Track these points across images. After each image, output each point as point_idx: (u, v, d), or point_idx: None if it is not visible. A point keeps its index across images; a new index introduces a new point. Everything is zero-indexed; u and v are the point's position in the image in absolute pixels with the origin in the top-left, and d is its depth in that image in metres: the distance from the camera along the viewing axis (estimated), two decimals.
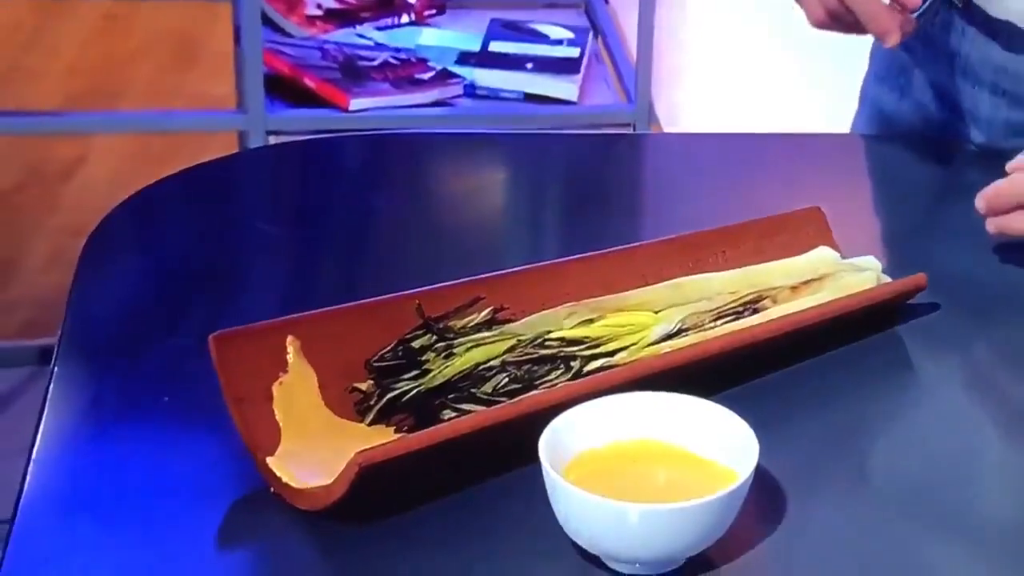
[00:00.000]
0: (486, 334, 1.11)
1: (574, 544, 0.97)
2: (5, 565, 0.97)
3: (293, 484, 1.01)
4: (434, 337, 1.10)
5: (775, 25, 2.68)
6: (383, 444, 1.00)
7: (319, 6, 2.59)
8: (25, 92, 3.51)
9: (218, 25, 2.77)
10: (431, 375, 1.08)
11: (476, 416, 1.04)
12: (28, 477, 1.04)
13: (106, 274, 1.29)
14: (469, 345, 1.10)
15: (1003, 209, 1.28)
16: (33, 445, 1.07)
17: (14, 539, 0.99)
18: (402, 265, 1.29)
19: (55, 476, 1.05)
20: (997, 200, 1.29)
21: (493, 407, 1.06)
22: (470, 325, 1.11)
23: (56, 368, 1.16)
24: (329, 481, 0.98)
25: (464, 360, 1.09)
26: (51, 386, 1.13)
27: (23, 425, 1.12)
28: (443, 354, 1.09)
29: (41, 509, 1.02)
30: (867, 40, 1.45)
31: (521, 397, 1.07)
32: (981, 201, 1.29)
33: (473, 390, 1.08)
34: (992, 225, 1.29)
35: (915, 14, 1.35)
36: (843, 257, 1.23)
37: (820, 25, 1.41)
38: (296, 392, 1.05)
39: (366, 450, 0.97)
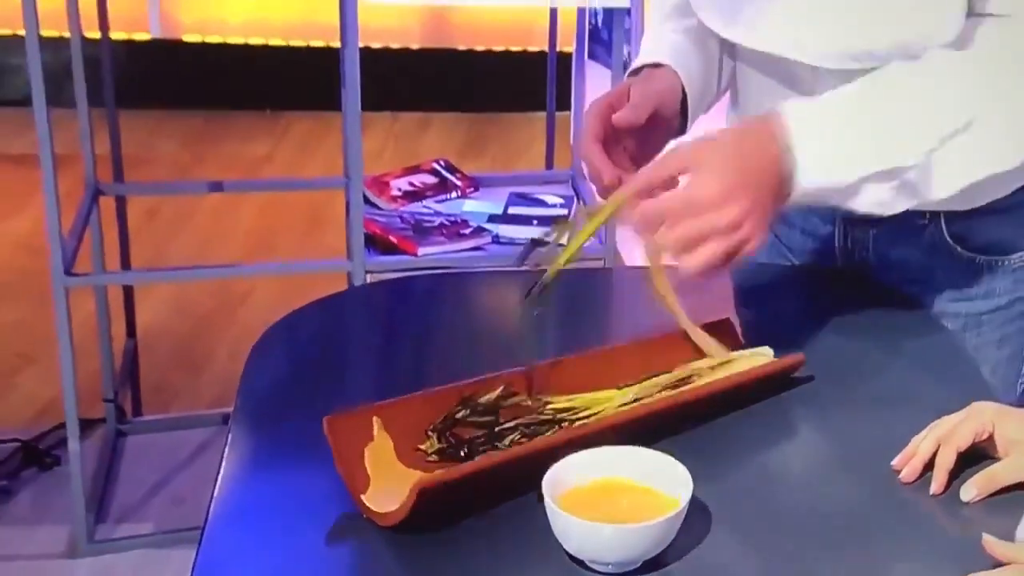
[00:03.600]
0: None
1: (564, 551, 0.95)
2: (200, 556, 0.98)
3: (378, 511, 0.99)
4: (469, 411, 1.07)
5: None
6: (433, 474, 0.99)
7: (399, 189, 2.61)
8: (217, 251, 3.56)
9: (336, 203, 2.78)
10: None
11: (496, 454, 1.03)
12: (213, 499, 1.04)
13: (265, 367, 1.27)
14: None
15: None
16: (216, 478, 1.07)
17: (205, 539, 1.00)
18: (453, 361, 1.26)
19: (231, 499, 1.05)
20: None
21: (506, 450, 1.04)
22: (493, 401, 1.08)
23: (231, 428, 1.15)
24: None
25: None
26: (228, 440, 1.13)
27: (211, 466, 1.11)
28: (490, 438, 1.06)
29: (222, 521, 1.02)
30: None
31: (526, 444, 1.05)
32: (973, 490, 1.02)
33: (497, 443, 1.06)
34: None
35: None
36: (746, 347, 1.20)
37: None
38: (380, 453, 1.04)
39: (421, 479, 0.97)
